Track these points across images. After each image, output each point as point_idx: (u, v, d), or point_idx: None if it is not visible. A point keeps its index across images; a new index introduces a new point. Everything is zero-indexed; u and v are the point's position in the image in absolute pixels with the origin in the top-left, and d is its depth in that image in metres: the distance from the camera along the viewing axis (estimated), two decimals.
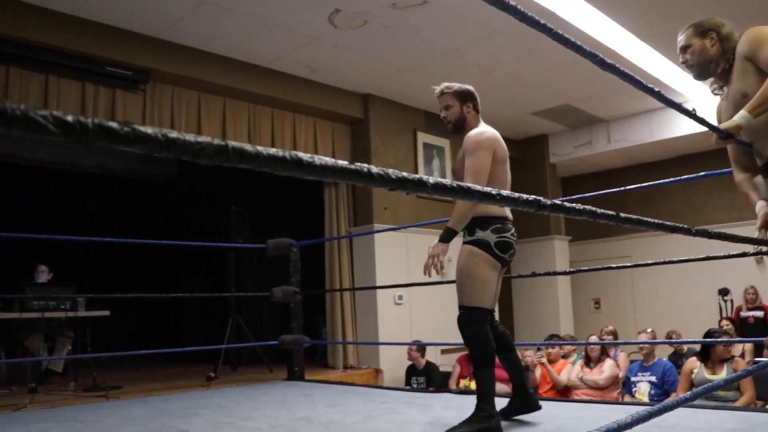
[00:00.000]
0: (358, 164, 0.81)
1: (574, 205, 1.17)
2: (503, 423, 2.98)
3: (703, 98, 7.23)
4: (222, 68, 5.85)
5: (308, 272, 7.22)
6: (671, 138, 7.91)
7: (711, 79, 2.77)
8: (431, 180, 0.89)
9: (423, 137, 7.43)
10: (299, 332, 5.61)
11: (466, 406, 3.89)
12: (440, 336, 6.63)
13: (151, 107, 5.54)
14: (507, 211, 3.02)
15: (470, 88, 3.14)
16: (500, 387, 6.27)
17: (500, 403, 3.13)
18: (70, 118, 0.61)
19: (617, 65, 1.80)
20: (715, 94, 2.79)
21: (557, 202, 1.13)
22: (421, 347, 6.21)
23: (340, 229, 7.00)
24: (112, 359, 7.38)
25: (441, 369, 6.54)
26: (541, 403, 3.17)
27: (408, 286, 4.92)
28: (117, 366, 7.38)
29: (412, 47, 5.85)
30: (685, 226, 1.67)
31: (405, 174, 0.86)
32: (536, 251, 8.74)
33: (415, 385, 6.16)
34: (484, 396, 2.86)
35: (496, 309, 8.11)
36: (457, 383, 6.27)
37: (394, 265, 6.72)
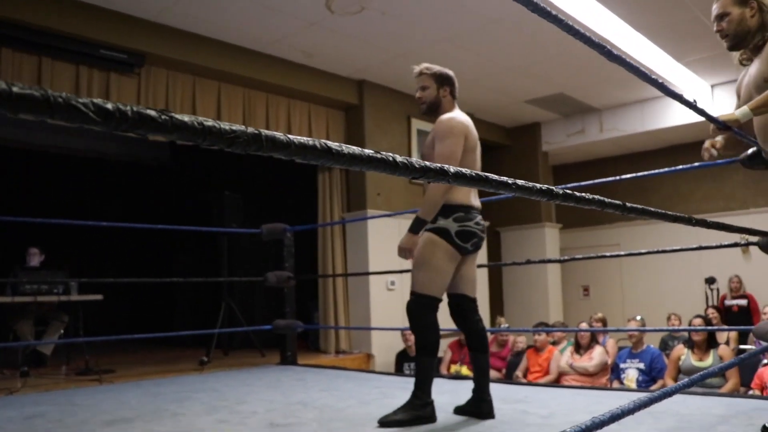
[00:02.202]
0: (385, 153, 0.83)
1: (583, 194, 1.20)
2: (462, 417, 2.97)
3: (695, 89, 7.28)
4: (217, 52, 5.82)
5: (301, 257, 7.24)
6: (663, 128, 7.97)
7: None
8: (452, 169, 0.91)
9: (417, 124, 7.44)
10: (293, 317, 5.64)
11: (459, 391, 3.94)
12: None
13: (146, 91, 5.51)
14: (473, 200, 2.95)
15: (450, 72, 3.04)
16: (492, 374, 6.37)
17: (499, 389, 3.17)
18: (110, 106, 0.62)
19: (624, 57, 1.81)
20: (743, 65, 2.60)
21: (569, 191, 1.15)
22: None
23: (334, 214, 7.01)
24: (105, 343, 7.37)
25: None
26: (532, 389, 3.20)
27: (400, 273, 4.95)
28: (110, 350, 7.37)
29: (409, 34, 5.84)
30: (686, 216, 1.70)
31: (427, 163, 0.88)
32: (527, 238, 8.80)
33: (407, 371, 6.21)
34: (421, 384, 2.84)
35: (485, 297, 8.18)
36: (448, 368, 6.33)
37: (387, 251, 6.73)
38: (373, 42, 5.97)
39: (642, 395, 1.48)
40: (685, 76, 7.00)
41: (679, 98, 2.16)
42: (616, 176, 4.06)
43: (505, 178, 1.04)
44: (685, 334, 5.69)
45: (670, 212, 1.65)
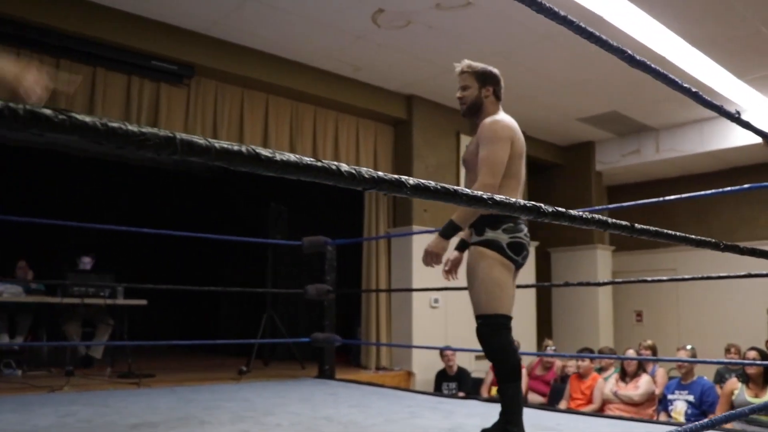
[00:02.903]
0: (326, 162, 0.77)
1: (581, 213, 1.11)
2: None
3: (755, 106, 6.94)
4: (266, 65, 5.89)
5: (346, 271, 7.23)
6: (724, 149, 7.62)
7: None
8: (411, 181, 0.85)
9: (466, 140, 7.34)
10: (331, 331, 5.61)
11: (491, 414, 3.81)
12: (475, 341, 6.51)
13: (195, 102, 5.62)
14: None
15: (494, 70, 2.84)
16: (533, 397, 6.17)
17: (531, 415, 3.04)
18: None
19: (671, 76, 1.69)
20: None
21: (560, 209, 1.07)
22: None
23: (379, 229, 6.98)
24: (149, 348, 7.52)
25: (474, 375, 6.44)
26: (567, 416, 3.05)
27: (445, 290, 4.82)
28: (155, 354, 7.52)
29: (456, 49, 5.77)
30: (713, 241, 1.58)
31: (380, 174, 0.82)
32: (578, 260, 8.55)
33: (446, 391, 6.09)
34: (511, 417, 2.57)
35: (532, 319, 7.96)
36: (489, 390, 6.17)
37: (432, 269, 6.63)
38: (421, 56, 5.93)
39: (672, 429, 1.36)
40: (747, 94, 6.68)
41: (718, 109, 2.03)
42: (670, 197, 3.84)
43: (479, 193, 0.96)
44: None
45: (693, 236, 1.53)
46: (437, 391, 6.17)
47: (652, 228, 1.32)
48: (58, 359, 5.77)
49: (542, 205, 1.02)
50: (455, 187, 0.89)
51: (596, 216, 1.14)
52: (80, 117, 0.63)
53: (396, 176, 0.82)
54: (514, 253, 2.66)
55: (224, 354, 7.67)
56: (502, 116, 2.76)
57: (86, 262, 6.26)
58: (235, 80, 5.85)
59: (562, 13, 1.41)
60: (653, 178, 9.06)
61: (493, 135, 2.66)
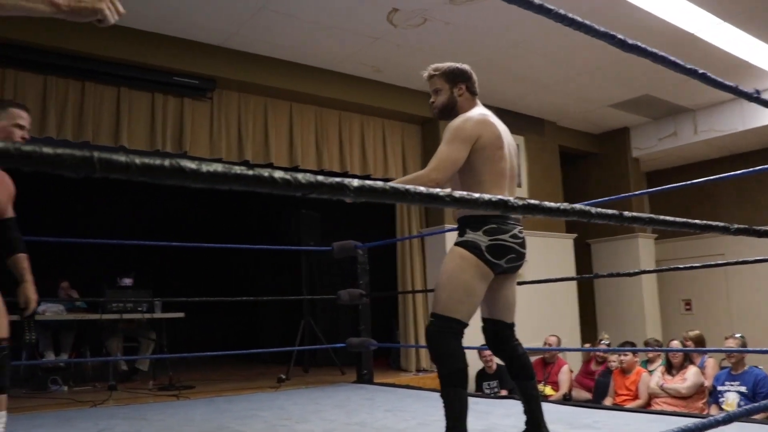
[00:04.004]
0: (258, 170, 0.74)
1: (557, 205, 1.05)
2: None
3: None
4: (287, 73, 5.91)
5: (381, 274, 7.20)
6: (766, 125, 7.33)
7: None
8: (354, 183, 0.81)
9: None
10: (367, 335, 5.59)
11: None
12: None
13: (218, 114, 5.67)
14: None
15: (463, 66, 2.73)
16: (579, 394, 6.04)
17: (567, 413, 2.95)
18: None
19: (671, 58, 1.60)
20: None
21: (532, 202, 1.01)
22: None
23: (412, 229, 6.94)
24: (193, 359, 7.62)
25: None
26: (606, 413, 2.94)
27: None
28: (196, 366, 7.61)
29: (476, 43, 5.70)
30: (722, 224, 1.49)
31: (319, 178, 0.78)
32: (619, 250, 8.34)
33: (486, 390, 6.00)
34: (452, 423, 2.45)
35: (575, 313, 7.75)
36: None
37: None
38: (441, 53, 5.85)
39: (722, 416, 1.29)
40: None
41: (733, 90, 1.94)
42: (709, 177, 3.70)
43: (435, 191, 0.91)
44: None
45: (698, 221, 1.45)
46: (478, 390, 6.09)
47: (644, 215, 1.24)
48: (102, 374, 5.90)
49: (510, 199, 0.97)
50: (406, 187, 0.84)
51: (576, 206, 1.08)
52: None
53: (337, 180, 0.79)
54: (494, 257, 2.50)
55: (265, 363, 7.72)
56: (474, 113, 2.64)
57: (126, 282, 6.38)
58: (257, 90, 5.88)
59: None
60: (693, 160, 8.78)
61: (451, 134, 2.55)
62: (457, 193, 0.96)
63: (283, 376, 5.81)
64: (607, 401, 5.65)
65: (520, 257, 2.63)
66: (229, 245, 5.34)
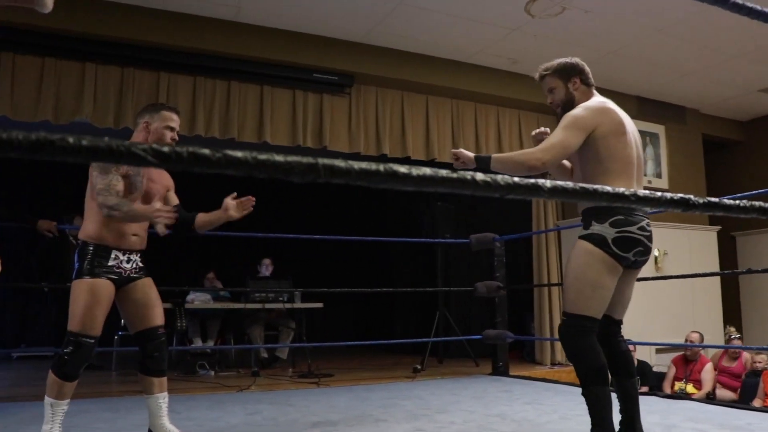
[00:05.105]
0: (461, 173, 0.78)
1: (737, 202, 1.01)
2: None
3: None
4: (423, 66, 5.98)
5: (517, 267, 7.13)
6: None
7: None
8: (548, 184, 0.83)
9: (635, 124, 6.92)
10: (504, 327, 5.56)
11: (671, 411, 3.61)
12: (655, 334, 6.16)
13: (356, 109, 5.85)
14: None
15: (574, 60, 2.69)
16: (722, 393, 5.68)
17: (719, 414, 2.80)
18: (166, 149, 0.67)
19: None
20: None
21: (712, 200, 0.97)
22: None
23: (548, 222, 6.82)
24: (327, 348, 7.89)
25: (655, 369, 6.07)
26: (765, 415, 2.77)
27: None
28: (333, 355, 7.87)
29: (616, 30, 5.47)
30: None
31: (515, 179, 0.81)
32: (765, 243, 7.72)
33: None
34: (598, 421, 2.42)
35: (718, 309, 7.30)
36: (672, 385, 5.78)
37: None
38: (580, 42, 5.69)
39: None
40: None
41: None
42: None
43: (622, 190, 0.91)
44: None
45: None
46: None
47: None
48: (244, 360, 6.26)
49: (691, 197, 0.94)
50: (594, 187, 0.85)
51: (757, 204, 1.03)
52: (233, 154, 0.69)
53: (531, 181, 0.81)
54: (621, 250, 2.42)
55: (400, 353, 7.86)
56: (592, 102, 2.60)
57: (266, 264, 6.70)
58: (393, 84, 6.00)
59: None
60: None
61: (568, 121, 2.51)
62: (641, 192, 0.96)
63: (419, 367, 5.91)
64: (756, 402, 5.28)
65: (647, 251, 2.53)
66: (368, 238, 5.47)
